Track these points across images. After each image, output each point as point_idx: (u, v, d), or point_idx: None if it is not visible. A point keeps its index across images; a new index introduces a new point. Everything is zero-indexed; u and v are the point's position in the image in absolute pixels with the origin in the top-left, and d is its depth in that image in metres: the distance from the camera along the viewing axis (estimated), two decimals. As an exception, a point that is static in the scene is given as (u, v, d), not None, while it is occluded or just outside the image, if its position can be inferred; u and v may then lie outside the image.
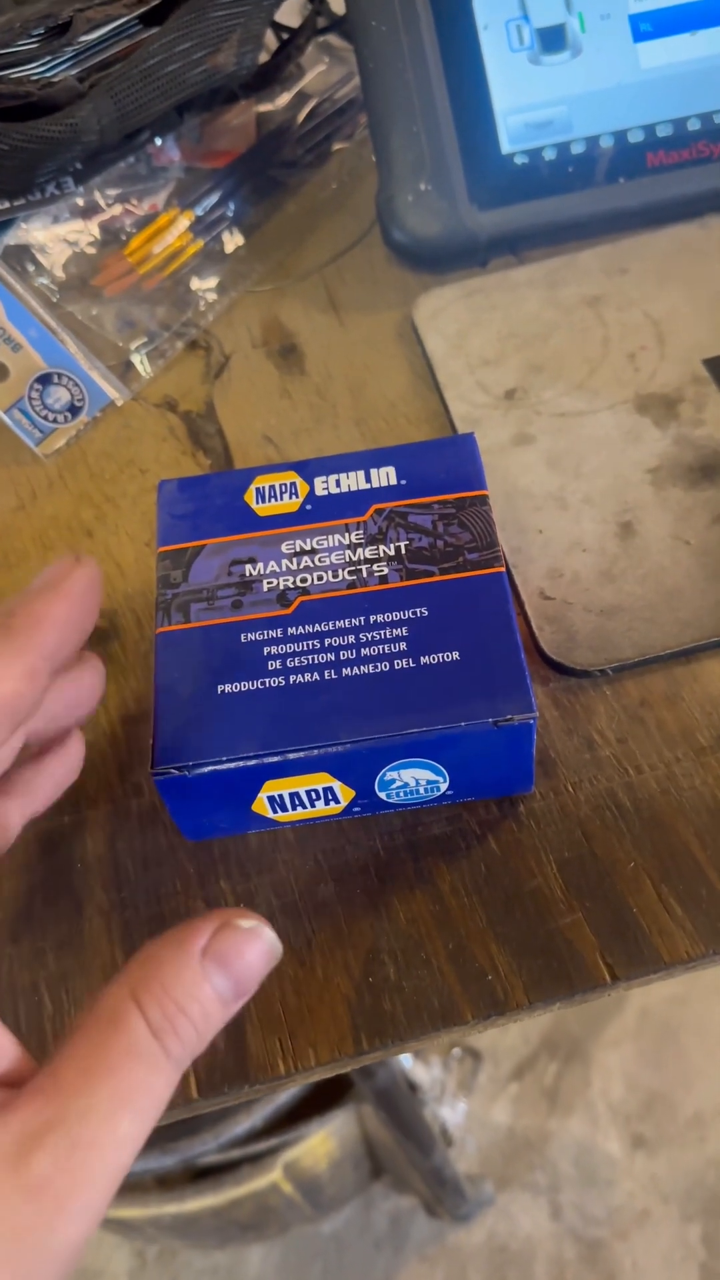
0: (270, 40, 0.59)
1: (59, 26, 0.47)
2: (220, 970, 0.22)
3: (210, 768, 0.32)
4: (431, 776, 0.34)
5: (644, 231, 0.50)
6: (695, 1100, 1.06)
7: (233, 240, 0.52)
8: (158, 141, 0.52)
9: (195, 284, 0.51)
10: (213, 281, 0.51)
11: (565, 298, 0.48)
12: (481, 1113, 1.08)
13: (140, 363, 0.49)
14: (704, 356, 0.45)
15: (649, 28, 0.49)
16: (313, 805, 0.35)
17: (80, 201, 0.50)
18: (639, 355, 0.46)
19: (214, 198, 0.52)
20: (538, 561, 0.41)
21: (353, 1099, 0.88)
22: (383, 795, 0.35)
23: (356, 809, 0.35)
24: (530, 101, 0.49)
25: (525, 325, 0.48)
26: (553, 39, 0.49)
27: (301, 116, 0.57)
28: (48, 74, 0.47)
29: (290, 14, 0.59)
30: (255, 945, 0.23)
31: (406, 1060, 0.83)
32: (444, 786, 0.35)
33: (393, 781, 0.34)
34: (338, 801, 0.35)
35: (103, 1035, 0.20)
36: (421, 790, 0.35)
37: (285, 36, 0.58)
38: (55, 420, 0.47)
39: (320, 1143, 0.90)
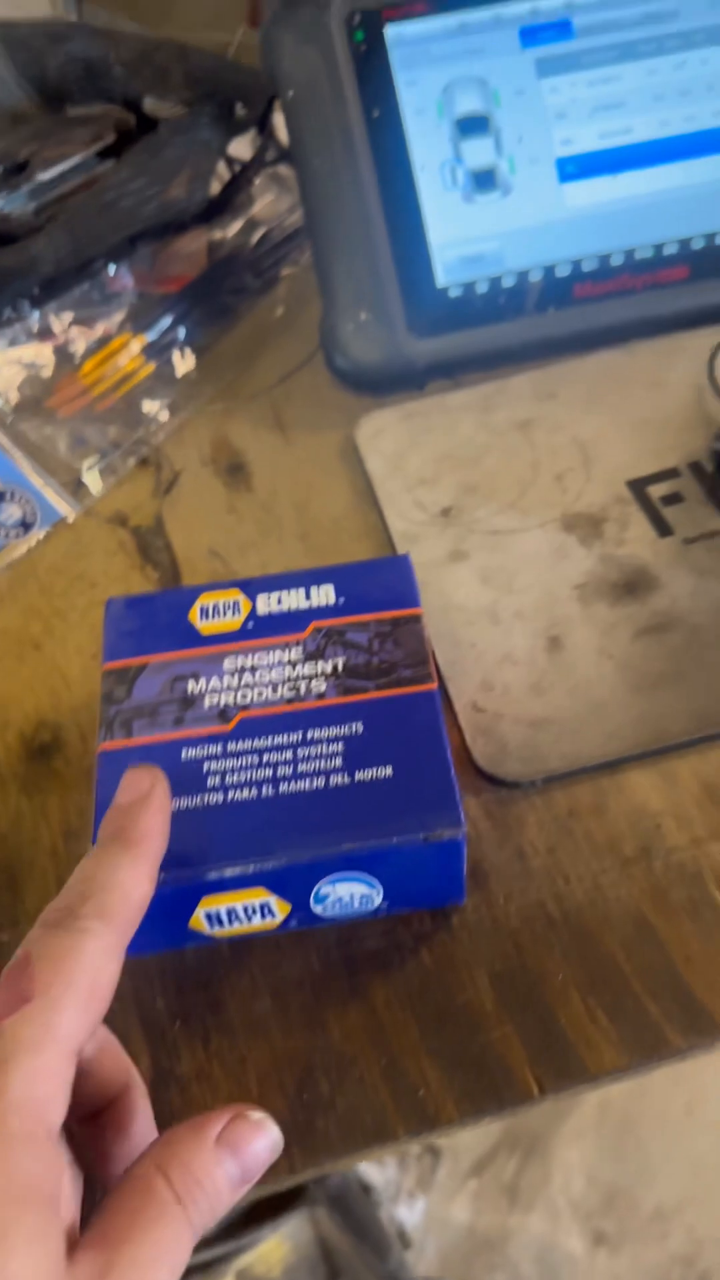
0: (223, 170, 0.62)
1: (16, 165, 0.50)
2: (231, 1156, 0.26)
3: (148, 886, 0.33)
4: (366, 890, 0.35)
5: (573, 358, 0.53)
6: (656, 1194, 1.04)
7: (184, 363, 0.55)
8: (112, 269, 0.54)
9: (147, 405, 0.53)
10: (164, 401, 0.53)
11: (498, 421, 0.51)
12: (441, 1211, 1.06)
13: (92, 480, 0.51)
14: (627, 478, 0.48)
15: (574, 170, 0.52)
16: (249, 920, 0.35)
17: (35, 325, 0.53)
18: (566, 476, 0.48)
19: (166, 321, 0.55)
20: (471, 674, 0.43)
21: (306, 1202, 0.86)
22: (318, 909, 0.36)
23: (293, 922, 0.36)
24: (464, 237, 0.52)
25: (460, 447, 0.50)
26: (484, 180, 0.52)
27: (252, 243, 0.60)
28: (5, 209, 0.49)
29: (243, 146, 0.62)
30: (262, 1138, 0.27)
31: (360, 1161, 0.82)
32: (378, 900, 0.36)
33: (328, 896, 0.35)
34: (274, 916, 0.35)
35: (138, 1200, 0.25)
36: (356, 904, 0.36)
37: (238, 168, 0.61)
38: (7, 536, 0.49)
39: (274, 1248, 0.88)
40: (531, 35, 0.53)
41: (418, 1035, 0.35)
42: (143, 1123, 0.31)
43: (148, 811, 0.30)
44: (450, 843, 0.34)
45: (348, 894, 0.35)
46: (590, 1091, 0.34)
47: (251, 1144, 0.26)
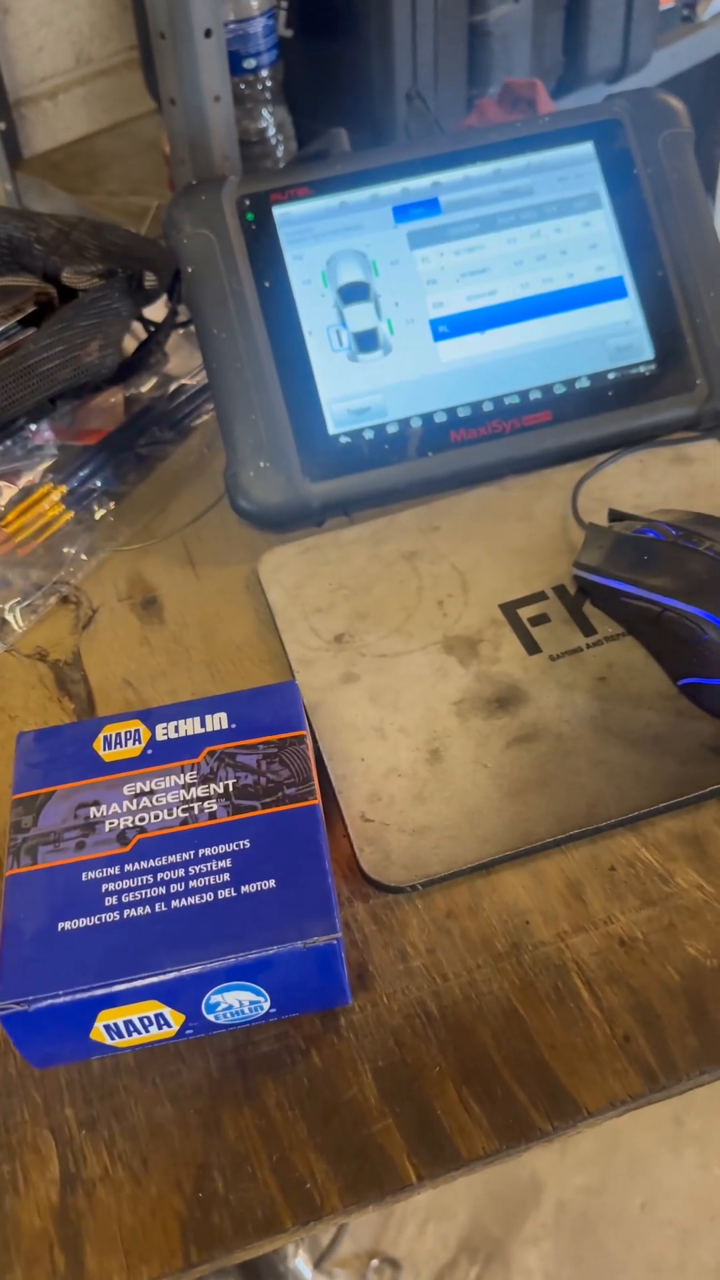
0: (140, 330, 0.68)
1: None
2: None
3: (47, 1002, 0.36)
4: (254, 997, 0.38)
5: (453, 494, 0.58)
6: (620, 1298, 1.04)
7: (102, 509, 0.60)
8: (33, 426, 0.60)
9: (67, 549, 0.58)
10: (83, 544, 0.58)
11: (386, 553, 0.56)
12: (405, 1328, 1.05)
13: (14, 618, 0.55)
14: (500, 601, 0.52)
15: (446, 329, 0.59)
16: (146, 1031, 0.38)
17: (-39, 480, 0.58)
18: (447, 602, 0.53)
19: (85, 472, 0.60)
20: (360, 787, 0.47)
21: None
22: (211, 1017, 0.39)
23: (189, 1031, 0.39)
24: (351, 392, 0.58)
25: (353, 578, 0.55)
26: (367, 340, 0.58)
27: (166, 396, 0.65)
28: (-67, 380, 0.54)
29: (158, 309, 0.68)
30: None
31: (306, 1273, 0.82)
32: (266, 1006, 0.39)
33: (218, 1004, 0.38)
34: (170, 1026, 0.38)
35: None
36: (246, 1010, 0.39)
37: (152, 329, 0.67)
38: (-66, 674, 0.52)
39: None
40: (403, 212, 0.60)
41: (306, 1132, 0.38)
42: None
43: None
44: (327, 948, 0.37)
45: (237, 1002, 0.38)
46: (465, 1176, 0.37)
47: None
